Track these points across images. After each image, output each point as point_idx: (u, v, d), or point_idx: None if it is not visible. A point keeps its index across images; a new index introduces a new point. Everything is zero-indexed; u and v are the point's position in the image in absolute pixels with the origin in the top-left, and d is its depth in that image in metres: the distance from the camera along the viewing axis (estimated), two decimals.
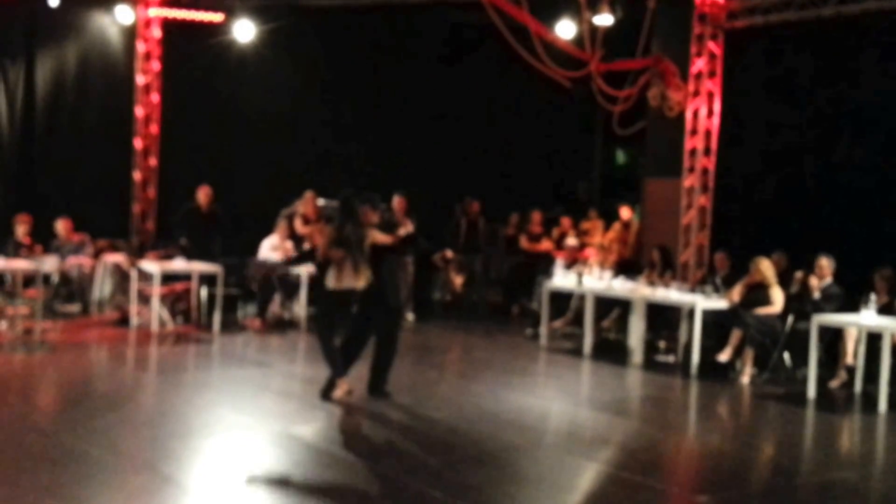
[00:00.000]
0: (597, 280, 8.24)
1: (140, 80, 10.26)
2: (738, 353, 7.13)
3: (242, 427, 5.24)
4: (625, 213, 10.01)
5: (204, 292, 8.44)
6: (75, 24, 10.05)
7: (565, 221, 10.26)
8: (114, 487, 4.21)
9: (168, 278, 8.19)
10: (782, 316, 7.17)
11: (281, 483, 4.40)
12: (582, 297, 8.20)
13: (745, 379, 6.99)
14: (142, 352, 7.46)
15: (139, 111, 10.27)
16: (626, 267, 9.02)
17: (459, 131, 11.33)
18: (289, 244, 8.72)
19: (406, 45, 10.93)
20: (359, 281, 5.70)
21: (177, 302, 8.41)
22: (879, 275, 6.91)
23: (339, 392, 5.68)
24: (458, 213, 10.49)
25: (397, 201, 9.47)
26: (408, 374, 6.93)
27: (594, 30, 8.78)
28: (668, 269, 8.54)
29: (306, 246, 7.78)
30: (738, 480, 4.80)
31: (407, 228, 6.72)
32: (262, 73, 10.48)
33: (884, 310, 6.61)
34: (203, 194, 8.99)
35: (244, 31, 10.04)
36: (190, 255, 8.50)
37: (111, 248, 9.25)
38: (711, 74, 9.34)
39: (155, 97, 10.33)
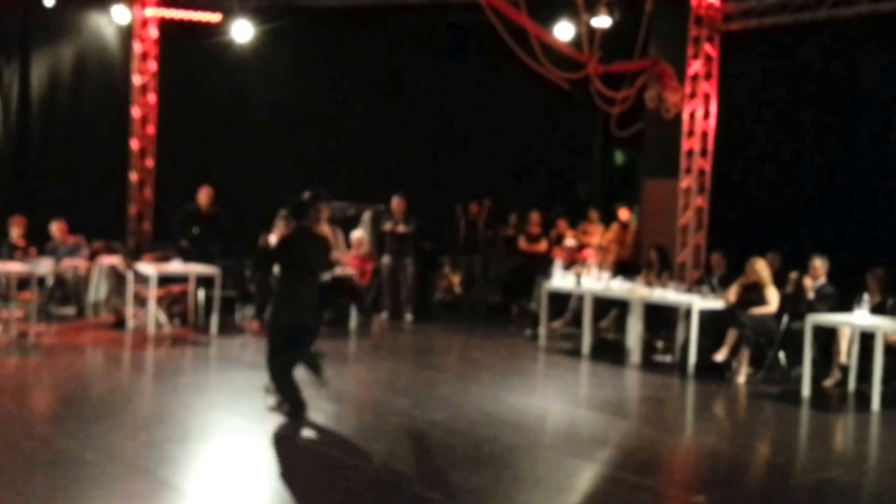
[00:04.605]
0: (595, 280, 8.25)
1: (137, 80, 10.24)
2: (734, 352, 7.16)
3: (240, 430, 5.24)
4: (623, 213, 10.02)
5: (201, 294, 8.42)
6: (71, 24, 10.03)
7: (561, 224, 10.27)
8: (110, 492, 4.20)
9: (165, 280, 8.17)
10: (777, 316, 7.20)
11: (278, 486, 4.40)
12: (580, 298, 8.21)
13: (741, 378, 7.02)
14: (138, 355, 7.45)
15: (136, 112, 10.26)
16: (625, 267, 9.04)
17: (458, 133, 11.33)
18: None
19: (405, 46, 10.92)
20: None
21: (173, 304, 8.39)
22: (872, 275, 6.95)
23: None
24: (459, 215, 10.51)
25: (396, 202, 9.47)
26: (406, 376, 6.94)
27: (592, 32, 8.78)
28: (665, 269, 8.56)
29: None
30: (733, 480, 4.82)
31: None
32: (260, 73, 10.48)
33: (877, 309, 6.64)
34: (204, 195, 8.96)
35: (242, 31, 10.02)
36: (189, 256, 8.49)
37: (107, 250, 9.22)
38: (708, 76, 9.36)
39: (152, 98, 10.32)
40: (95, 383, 6.53)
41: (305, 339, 5.48)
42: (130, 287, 8.11)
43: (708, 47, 9.32)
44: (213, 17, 10.21)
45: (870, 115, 8.17)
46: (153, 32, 10.26)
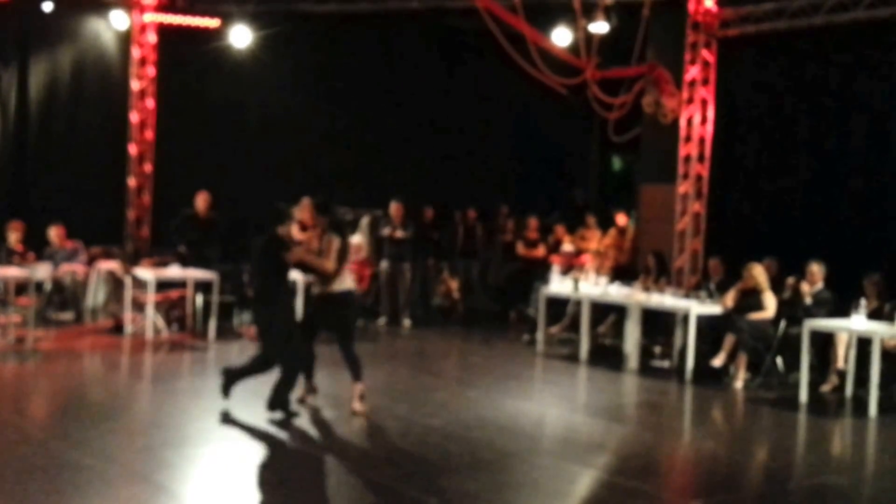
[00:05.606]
0: (593, 286, 8.26)
1: (135, 85, 10.25)
2: (731, 357, 7.17)
3: (237, 436, 5.24)
4: (620, 219, 10.04)
5: (199, 299, 8.42)
6: (69, 30, 10.03)
7: (559, 229, 10.30)
8: (107, 497, 4.20)
9: (163, 285, 8.17)
10: (775, 321, 7.22)
11: (275, 491, 4.39)
12: (578, 303, 8.22)
13: (739, 383, 7.03)
14: (136, 360, 7.45)
15: (134, 117, 10.27)
16: (622, 273, 9.05)
17: (456, 138, 11.36)
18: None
19: (403, 52, 10.95)
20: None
21: (172, 309, 8.39)
22: (869, 280, 6.97)
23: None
24: (457, 220, 10.54)
25: (394, 208, 9.48)
26: (404, 381, 6.94)
27: (590, 38, 8.81)
28: (663, 274, 8.57)
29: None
30: (731, 485, 4.83)
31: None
32: (257, 78, 10.48)
33: (874, 315, 6.66)
34: (202, 200, 8.97)
35: (240, 36, 10.04)
36: (187, 262, 8.49)
37: (105, 255, 9.22)
38: (705, 82, 9.40)
39: (150, 103, 10.33)
40: (93, 388, 6.53)
41: (291, 336, 5.56)
42: (128, 292, 8.11)
43: (705, 53, 9.36)
44: (212, 23, 10.23)
45: (867, 121, 8.20)
46: (152, 38, 10.28)
